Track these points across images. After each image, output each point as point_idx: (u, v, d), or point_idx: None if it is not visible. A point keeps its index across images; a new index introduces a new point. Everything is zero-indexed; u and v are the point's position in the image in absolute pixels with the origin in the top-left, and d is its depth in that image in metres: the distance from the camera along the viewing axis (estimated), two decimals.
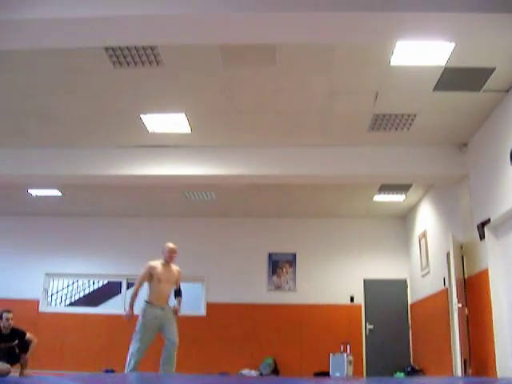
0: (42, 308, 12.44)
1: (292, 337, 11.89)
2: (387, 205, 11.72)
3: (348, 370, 10.57)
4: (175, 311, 7.16)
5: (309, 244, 12.57)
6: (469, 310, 8.01)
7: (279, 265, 12.54)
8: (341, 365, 10.59)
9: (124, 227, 12.84)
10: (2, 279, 12.25)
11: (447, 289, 9.11)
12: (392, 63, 6.29)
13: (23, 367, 7.80)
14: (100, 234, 12.85)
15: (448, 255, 8.81)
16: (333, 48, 6.10)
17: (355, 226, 12.58)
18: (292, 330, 11.93)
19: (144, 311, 6.99)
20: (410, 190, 10.64)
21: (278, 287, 12.42)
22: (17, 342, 7.77)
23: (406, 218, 12.44)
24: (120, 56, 6.26)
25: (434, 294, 10.00)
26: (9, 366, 7.50)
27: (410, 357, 11.62)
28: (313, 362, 11.40)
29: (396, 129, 8.11)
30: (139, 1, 5.10)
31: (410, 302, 12.01)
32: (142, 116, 7.93)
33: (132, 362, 6.82)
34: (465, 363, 7.79)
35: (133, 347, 6.90)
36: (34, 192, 11.23)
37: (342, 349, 10.98)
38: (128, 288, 12.63)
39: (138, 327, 6.96)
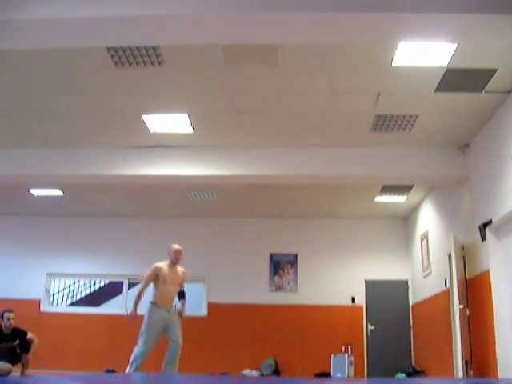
0: (44, 308, 12.45)
1: (293, 337, 11.88)
2: (389, 206, 11.71)
3: (349, 370, 10.56)
4: (180, 313, 7.16)
5: (310, 245, 12.57)
6: (470, 311, 8.00)
7: (281, 265, 12.54)
8: (342, 365, 10.59)
9: (125, 227, 12.85)
10: (3, 279, 12.26)
11: (449, 290, 9.10)
12: (394, 64, 6.29)
13: (24, 367, 7.81)
14: (101, 233, 12.86)
15: (449, 256, 8.81)
16: (335, 48, 6.10)
17: (357, 227, 12.57)
18: (293, 330, 11.93)
19: (150, 312, 6.97)
20: (412, 190, 10.63)
21: (280, 288, 12.42)
22: (18, 341, 7.77)
23: (407, 218, 12.44)
24: (122, 56, 6.27)
25: (436, 295, 9.99)
26: (10, 365, 7.50)
27: (411, 358, 11.61)
28: (314, 362, 11.40)
29: (398, 129, 8.11)
30: (141, 1, 5.11)
31: (411, 302, 12.00)
32: (143, 116, 7.93)
33: (135, 365, 6.81)
34: (466, 364, 7.78)
35: (138, 349, 6.87)
36: (36, 192, 11.24)
37: (343, 349, 10.97)
38: (129, 288, 12.65)
39: (143, 329, 6.93)
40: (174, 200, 11.60)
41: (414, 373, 10.64)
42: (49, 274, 12.74)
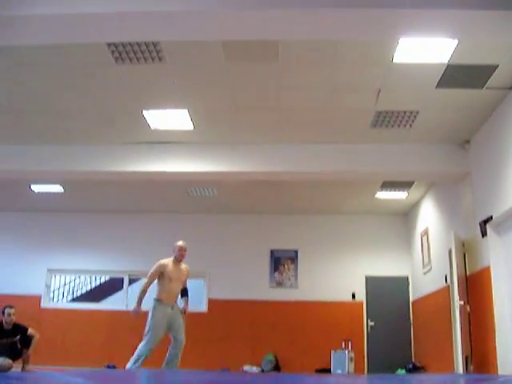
0: (44, 304, 12.46)
1: (293, 333, 11.90)
2: (389, 202, 11.72)
3: (349, 366, 10.59)
4: (183, 311, 7.18)
5: (311, 241, 12.57)
6: (470, 307, 8.01)
7: (281, 261, 12.55)
8: (342, 362, 10.61)
9: (126, 223, 12.86)
10: (4, 275, 12.27)
11: (449, 286, 9.11)
12: (395, 60, 6.28)
13: (25, 362, 7.83)
14: (102, 230, 12.86)
15: (450, 252, 8.82)
16: (335, 45, 6.09)
17: (357, 223, 12.58)
18: (293, 326, 11.95)
19: (154, 309, 6.97)
20: (412, 187, 10.63)
21: (280, 284, 12.44)
22: (19, 337, 7.80)
23: (408, 215, 12.44)
24: (122, 52, 6.26)
25: (436, 292, 10.00)
26: (11, 361, 7.53)
27: (411, 354, 11.63)
28: (314, 358, 11.42)
29: (398, 126, 8.11)
30: None
31: (411, 299, 12.02)
32: (144, 112, 7.93)
33: (138, 362, 6.79)
34: (466, 360, 7.79)
35: (143, 347, 6.85)
36: (37, 188, 11.24)
37: (343, 346, 11.00)
38: (130, 284, 12.66)
39: (149, 326, 6.92)
40: (175, 196, 11.61)
41: (414, 369, 10.66)
42: (49, 270, 12.75)
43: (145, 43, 6.06)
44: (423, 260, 10.98)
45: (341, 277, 12.28)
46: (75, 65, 6.63)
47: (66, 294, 13.24)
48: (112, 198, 11.89)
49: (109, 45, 6.10)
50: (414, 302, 11.89)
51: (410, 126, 8.08)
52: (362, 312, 12.03)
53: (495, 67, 6.41)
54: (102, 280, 13.70)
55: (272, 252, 12.61)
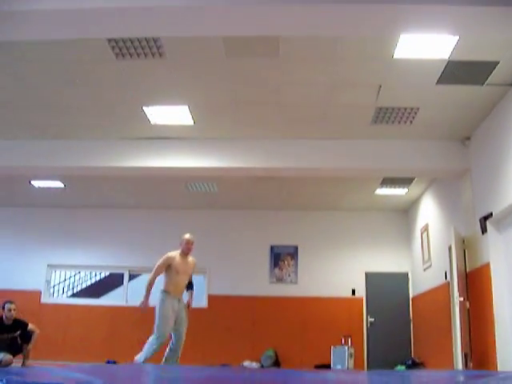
0: (44, 299, 12.47)
1: (293, 329, 11.91)
2: (389, 198, 11.72)
3: (349, 362, 10.60)
4: (188, 305, 7.19)
5: (311, 237, 12.58)
6: (470, 303, 8.02)
7: (281, 257, 12.56)
8: (342, 357, 10.63)
9: (126, 219, 12.86)
10: (4, 270, 12.28)
11: (449, 282, 9.11)
12: (395, 56, 6.27)
13: (25, 358, 7.84)
14: (102, 225, 12.87)
15: (450, 249, 8.83)
16: (336, 41, 6.08)
17: (357, 219, 12.58)
18: (293, 322, 11.96)
19: (162, 301, 6.96)
20: (413, 183, 10.63)
21: (280, 280, 12.44)
22: (19, 332, 7.80)
23: (408, 211, 12.44)
24: (123, 47, 6.25)
25: (436, 288, 10.01)
26: (11, 356, 7.54)
27: (410, 350, 11.64)
28: (314, 354, 11.43)
29: (399, 122, 8.10)
30: None
31: (411, 295, 12.03)
32: (144, 108, 7.92)
33: (149, 353, 6.77)
34: (465, 357, 7.81)
35: (154, 341, 6.82)
36: (37, 183, 11.25)
37: (343, 341, 11.02)
38: (130, 280, 12.68)
39: (158, 319, 6.91)
40: (175, 192, 11.61)
41: (413, 365, 10.68)
42: (49, 266, 12.75)
43: (145, 39, 6.05)
44: (423, 256, 10.99)
45: (341, 273, 12.29)
46: (75, 60, 6.63)
47: (66, 290, 13.28)
48: (112, 193, 11.89)
49: (109, 40, 6.09)
50: (413, 299, 11.90)
51: (411, 122, 8.08)
52: (361, 308, 12.04)
53: (496, 64, 6.40)
54: (102, 275, 13.74)
55: (272, 248, 12.62)
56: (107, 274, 13.68)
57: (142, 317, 11.76)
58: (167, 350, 7.01)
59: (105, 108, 8.00)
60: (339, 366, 10.54)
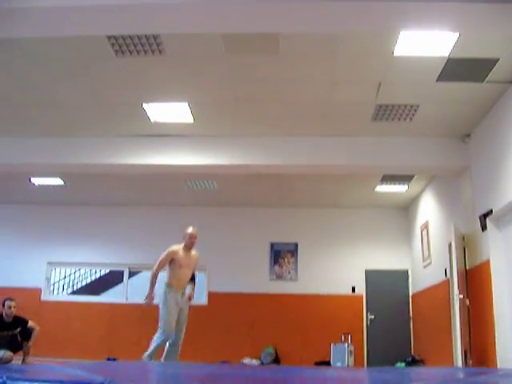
0: (44, 296, 12.48)
1: (293, 326, 11.92)
2: (389, 195, 11.72)
3: (349, 359, 10.61)
4: (189, 297, 7.19)
5: (311, 234, 12.58)
6: (470, 300, 8.02)
7: (281, 254, 12.56)
8: (342, 355, 10.64)
9: (126, 216, 12.86)
10: (4, 268, 12.28)
11: (449, 280, 9.12)
12: (395, 53, 6.26)
13: (25, 355, 7.86)
14: (102, 222, 12.87)
15: (450, 246, 8.82)
16: (336, 38, 6.07)
17: (357, 217, 12.58)
18: (293, 319, 11.97)
19: (166, 294, 6.95)
20: (413, 180, 10.63)
21: (280, 277, 12.45)
22: (19, 329, 7.82)
23: (408, 208, 12.44)
24: (122, 44, 6.25)
25: (436, 285, 10.02)
26: (11, 353, 7.56)
27: (410, 347, 11.66)
28: (314, 351, 11.44)
29: (399, 119, 8.10)
30: None
31: (411, 292, 12.03)
32: (144, 105, 7.92)
33: (156, 348, 6.78)
34: (465, 354, 7.81)
35: (160, 335, 6.82)
36: (36, 181, 11.24)
37: (343, 339, 11.03)
38: (130, 277, 12.69)
39: (163, 312, 6.90)
40: (175, 189, 11.60)
41: (413, 362, 10.69)
42: (49, 263, 12.76)
43: (145, 36, 6.05)
44: (423, 254, 10.99)
45: (341, 270, 12.29)
46: (75, 57, 6.62)
47: (66, 287, 13.27)
48: (112, 190, 11.89)
49: (109, 37, 6.09)
50: (413, 296, 11.91)
51: (411, 119, 8.08)
52: (361, 305, 12.05)
53: (496, 61, 6.40)
54: (102, 273, 13.73)
55: (272, 245, 12.62)
56: (107, 271, 13.66)
57: (142, 314, 11.78)
58: (167, 345, 7.00)
59: (104, 105, 8.00)
60: (339, 364, 10.55)
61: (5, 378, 2.29)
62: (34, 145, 9.03)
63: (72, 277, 13.44)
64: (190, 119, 8.30)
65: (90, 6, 5.09)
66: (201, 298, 12.22)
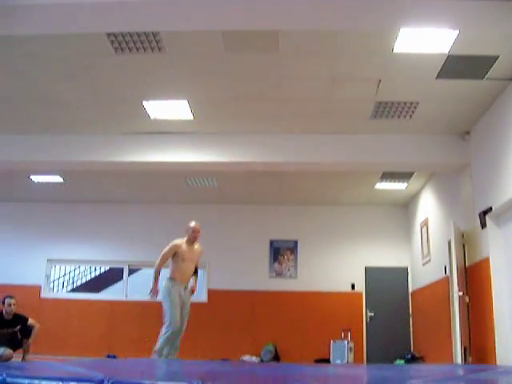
0: (44, 294, 12.48)
1: (293, 324, 11.93)
2: (389, 193, 11.72)
3: (348, 357, 10.62)
4: (192, 290, 7.20)
5: (310, 231, 12.58)
6: (469, 298, 8.03)
7: (281, 252, 12.56)
8: (341, 352, 10.65)
9: (126, 214, 12.86)
10: (3, 265, 12.29)
11: (448, 277, 9.12)
12: (395, 50, 6.26)
13: (25, 352, 7.86)
14: (102, 220, 12.87)
15: (449, 243, 8.83)
16: (335, 35, 6.07)
17: (357, 214, 12.58)
18: (293, 316, 11.98)
19: (168, 288, 6.95)
20: (412, 178, 10.63)
21: (280, 274, 12.45)
22: (19, 327, 7.82)
23: (407, 206, 12.44)
24: (122, 42, 6.24)
25: (435, 282, 10.02)
26: (11, 351, 7.56)
27: (410, 344, 11.67)
28: (313, 348, 11.45)
29: (398, 116, 8.09)
30: None
31: (410, 289, 12.04)
32: (143, 102, 7.91)
33: (164, 343, 6.76)
34: (465, 351, 7.82)
35: (166, 328, 6.80)
36: (36, 178, 11.24)
37: (342, 336, 11.03)
38: (130, 274, 12.69)
39: (167, 306, 6.89)
40: (174, 186, 11.60)
41: (412, 359, 10.70)
42: (49, 260, 12.75)
43: (144, 33, 6.04)
44: (423, 251, 10.99)
45: (340, 267, 12.29)
46: (75, 55, 6.62)
47: (65, 284, 13.29)
48: (112, 188, 11.89)
49: (108, 35, 6.08)
50: (413, 293, 11.91)
51: (410, 116, 8.07)
52: (361, 302, 12.05)
53: (496, 58, 6.39)
54: (102, 270, 13.75)
55: (272, 242, 12.62)
56: (107, 268, 13.69)
57: (142, 311, 11.82)
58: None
59: (104, 103, 7.99)
60: (339, 361, 10.57)
61: (5, 375, 2.29)
62: (34, 142, 9.03)
63: (72, 274, 13.46)
64: (189, 116, 8.30)
65: (89, 3, 5.09)
66: (200, 296, 12.23)
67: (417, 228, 11.56)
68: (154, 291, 6.96)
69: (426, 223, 10.80)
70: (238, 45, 6.28)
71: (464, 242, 8.39)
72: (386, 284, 12.14)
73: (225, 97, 7.69)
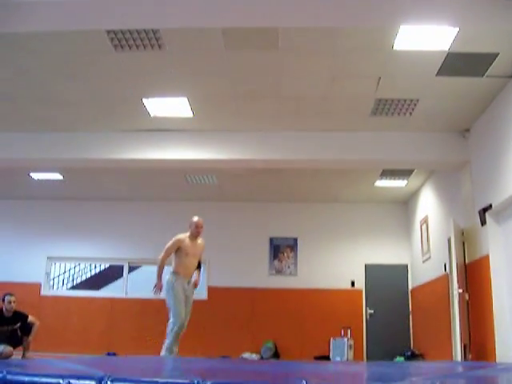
0: (44, 291, 12.49)
1: (293, 321, 11.94)
2: (389, 190, 11.72)
3: (348, 354, 10.63)
4: (195, 284, 7.21)
5: (310, 229, 12.59)
6: (469, 295, 8.03)
7: (280, 249, 12.57)
8: (341, 349, 10.66)
9: (125, 211, 12.86)
10: (3, 263, 12.29)
11: (448, 274, 9.13)
12: (395, 48, 6.26)
13: (25, 350, 7.87)
14: (102, 217, 12.88)
15: (449, 241, 8.83)
16: (335, 33, 6.06)
17: (357, 211, 12.58)
18: (293, 314, 11.98)
19: (172, 283, 6.95)
20: (412, 175, 10.63)
21: (279, 271, 12.46)
22: (19, 324, 7.83)
23: (407, 203, 12.44)
24: (121, 39, 6.23)
25: (435, 280, 10.03)
26: (11, 348, 7.57)
27: (410, 341, 11.68)
28: (313, 346, 11.46)
29: (398, 114, 8.09)
30: None
31: (410, 287, 12.05)
32: (143, 100, 7.91)
33: (171, 339, 6.75)
34: (464, 348, 7.83)
35: (172, 323, 6.80)
36: (36, 176, 11.24)
37: (342, 333, 11.04)
38: (130, 272, 12.70)
39: (171, 301, 6.89)
40: (174, 184, 11.60)
41: (412, 356, 10.71)
42: (49, 258, 12.76)
43: (144, 30, 6.03)
44: (422, 248, 11.00)
45: (340, 265, 12.30)
46: (75, 52, 6.61)
47: (65, 282, 13.28)
48: (111, 185, 11.89)
49: (108, 32, 6.07)
50: (413, 290, 11.92)
51: (410, 114, 8.07)
52: (361, 300, 12.06)
53: (496, 55, 6.39)
54: (102, 267, 13.74)
55: (271, 240, 12.63)
56: (107, 265, 13.68)
57: (142, 309, 11.84)
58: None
59: (104, 100, 7.99)
60: (338, 358, 10.57)
61: (5, 372, 2.29)
62: (34, 140, 9.03)
63: (72, 271, 13.45)
64: (189, 114, 8.29)
65: (88, 1, 5.08)
66: (201, 293, 12.23)
67: (417, 225, 11.56)
68: (158, 287, 6.97)
69: (425, 220, 10.80)
70: (237, 42, 6.28)
71: (464, 239, 8.40)
72: (385, 281, 12.15)
73: (225, 94, 7.68)
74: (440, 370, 4.75)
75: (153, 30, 6.03)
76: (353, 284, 12.17)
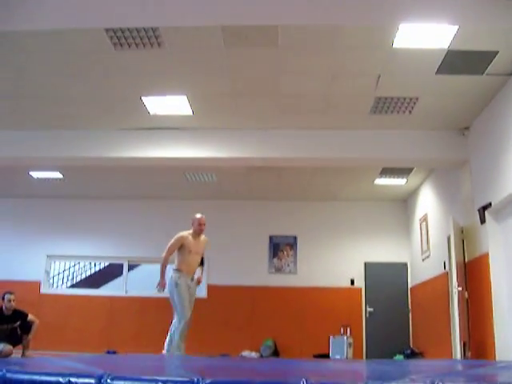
0: (44, 290, 12.49)
1: (292, 319, 11.94)
2: (388, 188, 11.72)
3: (348, 352, 10.63)
4: (198, 281, 7.21)
5: (310, 227, 12.58)
6: (469, 293, 8.03)
7: (280, 247, 12.57)
8: (341, 347, 10.66)
9: (125, 209, 12.86)
10: (3, 261, 12.29)
11: (447, 272, 9.13)
12: (395, 46, 6.25)
13: (25, 348, 7.87)
14: (101, 215, 12.87)
15: (449, 239, 8.83)
16: (335, 30, 6.05)
17: (356, 210, 12.58)
18: (292, 312, 11.99)
19: (175, 280, 6.96)
20: (412, 173, 10.63)
21: (279, 270, 12.46)
22: (19, 323, 7.83)
23: (407, 201, 12.44)
24: (121, 37, 6.22)
25: (435, 278, 10.03)
26: (11, 347, 7.57)
27: (409, 340, 11.68)
28: (313, 344, 11.46)
29: (398, 112, 8.09)
30: None
31: (410, 285, 12.05)
32: (143, 98, 7.90)
33: (176, 337, 6.77)
34: (464, 346, 7.83)
35: (177, 321, 6.82)
36: (35, 174, 11.23)
37: (342, 331, 11.04)
38: (129, 270, 12.70)
39: (175, 299, 6.91)
40: (174, 182, 11.60)
41: (412, 354, 10.72)
42: (49, 256, 12.76)
43: (143, 29, 6.02)
44: (422, 246, 11.00)
45: (340, 263, 12.30)
46: (74, 51, 6.60)
47: (65, 280, 13.28)
48: (111, 183, 11.88)
49: (107, 30, 6.06)
50: (412, 289, 11.92)
51: (410, 112, 8.07)
52: (360, 298, 12.07)
53: (495, 53, 6.38)
54: (102, 266, 13.74)
55: (271, 238, 12.63)
56: (107, 264, 13.67)
57: (142, 307, 11.84)
58: (168, 337, 7.00)
59: (103, 98, 7.98)
60: (338, 356, 10.57)
61: (4, 371, 2.29)
62: (33, 138, 9.02)
63: (71, 270, 13.45)
64: (188, 112, 8.29)
65: None
66: (200, 291, 12.22)
67: (416, 223, 11.56)
68: (162, 284, 6.98)
69: (425, 219, 10.80)
70: (237, 40, 6.27)
71: (463, 237, 8.40)
72: (385, 279, 12.15)
73: (224, 92, 7.68)
74: (439, 368, 4.75)
75: (152, 29, 6.02)
76: (352, 282, 12.18)
